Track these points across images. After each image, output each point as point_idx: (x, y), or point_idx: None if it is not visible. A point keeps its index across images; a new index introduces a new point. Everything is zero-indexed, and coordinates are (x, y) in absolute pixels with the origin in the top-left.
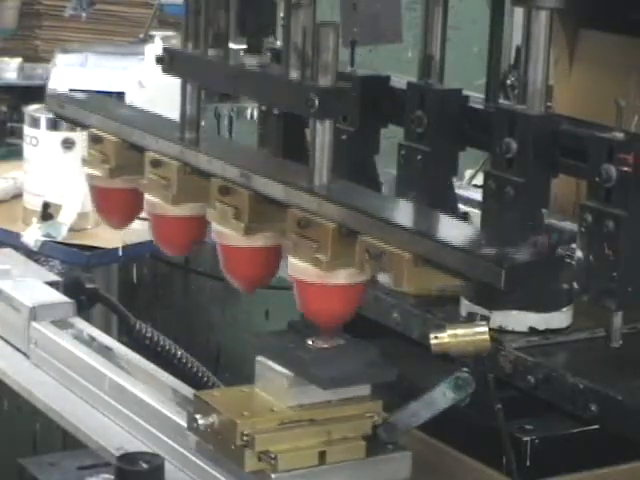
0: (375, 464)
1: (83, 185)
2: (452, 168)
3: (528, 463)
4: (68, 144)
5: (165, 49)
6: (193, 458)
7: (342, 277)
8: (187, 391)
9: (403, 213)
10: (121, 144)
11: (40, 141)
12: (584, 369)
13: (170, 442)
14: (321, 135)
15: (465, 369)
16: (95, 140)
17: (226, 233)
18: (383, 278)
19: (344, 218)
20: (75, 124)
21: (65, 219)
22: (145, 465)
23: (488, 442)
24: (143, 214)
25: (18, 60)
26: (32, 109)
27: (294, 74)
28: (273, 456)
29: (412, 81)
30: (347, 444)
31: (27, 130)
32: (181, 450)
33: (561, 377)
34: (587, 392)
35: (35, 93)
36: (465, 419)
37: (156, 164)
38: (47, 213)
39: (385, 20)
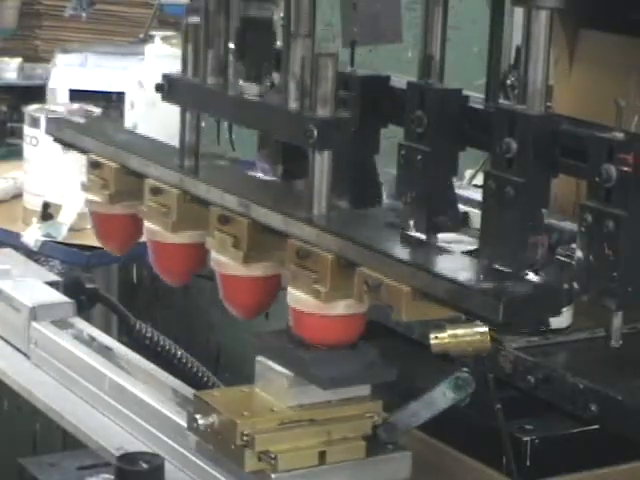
0: (375, 464)
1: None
2: (452, 168)
3: (528, 463)
4: None
5: (165, 76)
6: (193, 458)
7: (341, 308)
8: (187, 391)
9: (402, 245)
10: (121, 170)
11: (40, 141)
12: (584, 369)
13: (170, 442)
14: (320, 165)
15: (465, 369)
16: (94, 165)
17: (225, 262)
18: None
19: (343, 249)
20: (74, 149)
21: (65, 219)
22: (145, 465)
23: (488, 442)
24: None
25: (18, 60)
26: (32, 109)
27: (293, 104)
28: (273, 456)
29: (412, 81)
30: (347, 444)
31: (27, 130)
32: (181, 450)
33: (561, 377)
34: (587, 392)
35: (35, 93)
36: (465, 419)
37: (156, 191)
38: (47, 213)
39: (385, 20)
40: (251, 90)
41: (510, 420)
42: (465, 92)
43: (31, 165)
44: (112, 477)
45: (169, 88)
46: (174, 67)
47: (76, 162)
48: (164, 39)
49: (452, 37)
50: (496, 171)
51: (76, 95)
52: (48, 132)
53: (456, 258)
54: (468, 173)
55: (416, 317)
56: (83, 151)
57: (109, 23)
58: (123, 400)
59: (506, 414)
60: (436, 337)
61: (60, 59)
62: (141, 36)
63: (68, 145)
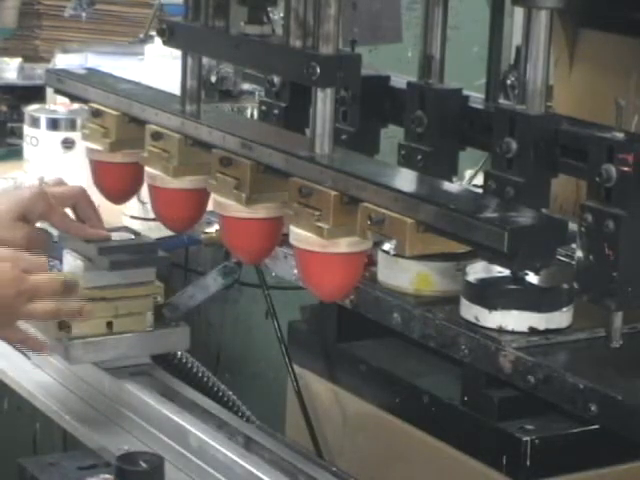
0: (157, 336)
1: (83, 185)
2: (452, 168)
3: (528, 463)
4: (68, 144)
5: (166, 22)
6: (193, 458)
7: (344, 245)
8: (187, 391)
9: (404, 180)
10: (121, 118)
11: (40, 141)
12: (584, 369)
13: (170, 442)
14: (322, 104)
15: (234, 260)
16: (95, 114)
17: (228, 204)
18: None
19: (345, 186)
20: (75, 98)
21: None
22: (145, 465)
23: (488, 442)
24: (143, 215)
25: (18, 60)
26: (32, 109)
27: (295, 43)
28: (68, 324)
29: (412, 81)
30: (132, 318)
31: (27, 130)
32: (181, 450)
33: (561, 377)
34: (587, 392)
35: (35, 93)
36: (465, 419)
37: (157, 137)
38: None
39: (385, 20)
40: (253, 31)
41: (510, 420)
42: (465, 92)
43: (31, 165)
44: (112, 477)
45: (170, 33)
46: (174, 67)
47: (76, 162)
48: None
49: (452, 37)
50: (496, 171)
51: None
52: (49, 84)
53: (459, 190)
54: (468, 173)
55: (420, 251)
56: (84, 100)
57: (109, 23)
58: (123, 400)
59: (506, 414)
60: (205, 232)
61: (60, 59)
62: (141, 36)
63: (69, 95)
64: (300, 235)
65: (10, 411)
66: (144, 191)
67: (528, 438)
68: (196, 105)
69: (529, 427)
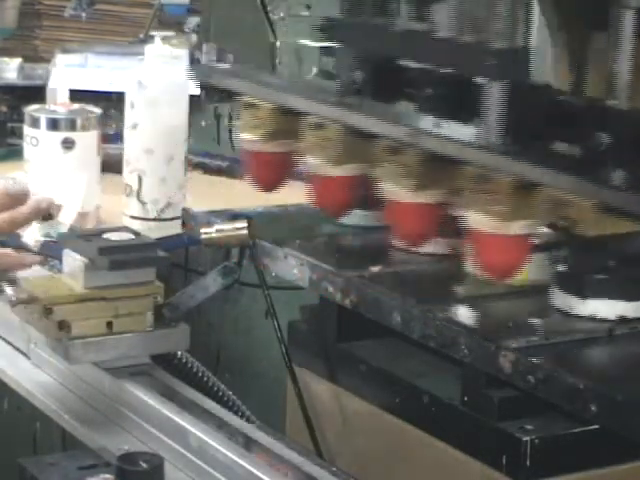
0: (157, 336)
1: (83, 185)
2: None
3: (528, 463)
4: (68, 144)
5: (326, 18)
6: (193, 458)
7: (519, 228)
8: (187, 391)
9: (580, 165)
10: (275, 109)
11: (40, 141)
12: (584, 369)
13: (170, 442)
14: (495, 95)
15: (234, 261)
16: (248, 106)
17: (396, 191)
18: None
19: (520, 171)
20: (226, 93)
21: (65, 219)
22: (145, 465)
23: (488, 442)
24: (143, 215)
25: (18, 60)
26: (32, 109)
27: (466, 38)
28: (68, 324)
29: None
30: (132, 318)
31: (27, 130)
32: (181, 450)
33: (561, 377)
34: (587, 392)
35: (35, 93)
36: (465, 419)
37: (317, 127)
38: (47, 213)
39: None
40: (416, 27)
41: (510, 420)
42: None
43: (31, 165)
44: (112, 477)
45: (331, 28)
46: (174, 67)
47: (76, 161)
48: (164, 39)
49: None
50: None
51: (76, 95)
52: (193, 79)
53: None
54: None
55: (596, 232)
56: (236, 93)
57: (109, 23)
58: (123, 400)
59: (506, 414)
60: (205, 232)
61: (60, 59)
62: (141, 36)
63: (220, 89)
64: (475, 219)
65: (10, 411)
66: (144, 191)
67: (528, 438)
68: (355, 96)
69: (529, 427)
